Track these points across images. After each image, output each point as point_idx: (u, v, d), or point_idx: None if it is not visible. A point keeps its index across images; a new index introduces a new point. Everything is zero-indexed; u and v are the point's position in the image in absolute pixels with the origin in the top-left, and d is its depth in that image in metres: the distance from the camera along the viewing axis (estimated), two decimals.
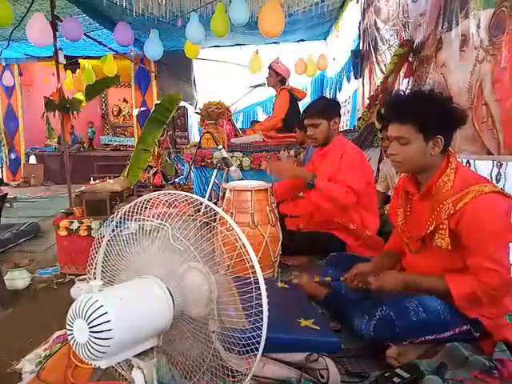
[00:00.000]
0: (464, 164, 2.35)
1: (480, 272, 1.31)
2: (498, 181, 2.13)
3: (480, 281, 1.31)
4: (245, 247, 1.00)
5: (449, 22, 2.43)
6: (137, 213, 1.18)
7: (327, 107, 2.43)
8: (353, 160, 2.32)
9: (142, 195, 1.22)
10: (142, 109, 8.19)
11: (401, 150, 1.42)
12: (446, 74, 2.47)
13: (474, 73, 2.08)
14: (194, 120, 7.25)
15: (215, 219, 1.21)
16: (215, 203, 2.77)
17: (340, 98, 6.53)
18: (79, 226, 2.82)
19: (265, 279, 1.00)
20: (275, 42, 7.00)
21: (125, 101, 10.54)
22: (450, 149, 1.45)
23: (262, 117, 8.32)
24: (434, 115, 1.36)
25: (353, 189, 2.21)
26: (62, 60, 3.97)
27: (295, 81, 6.65)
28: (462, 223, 1.33)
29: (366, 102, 4.09)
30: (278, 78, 4.07)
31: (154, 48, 4.97)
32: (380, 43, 4.14)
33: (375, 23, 4.31)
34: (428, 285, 1.43)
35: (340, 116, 2.53)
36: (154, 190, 3.64)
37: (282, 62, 4.17)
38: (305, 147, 3.50)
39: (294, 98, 4.03)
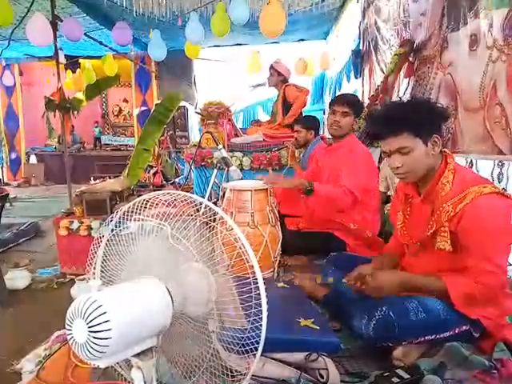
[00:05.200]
0: (467, 164, 2.35)
1: (477, 273, 1.31)
2: (500, 181, 2.13)
3: (477, 282, 1.31)
4: (244, 247, 1.00)
5: (455, 21, 2.43)
6: (136, 213, 1.18)
7: (359, 104, 2.49)
8: (359, 161, 2.31)
9: (142, 195, 1.22)
10: (143, 109, 8.18)
11: (405, 160, 1.40)
12: (454, 73, 2.47)
13: (486, 72, 2.07)
14: (194, 120, 7.24)
15: (215, 219, 1.21)
16: (215, 203, 2.77)
17: None
18: (79, 226, 2.82)
19: (264, 279, 1.00)
20: (275, 42, 7.00)
21: (125, 101, 10.52)
22: (446, 150, 1.46)
23: (262, 116, 8.31)
24: (424, 117, 1.37)
25: (351, 191, 2.20)
26: (62, 60, 3.98)
27: (296, 81, 6.64)
28: (461, 225, 1.33)
29: (366, 101, 4.08)
30: (280, 77, 4.09)
31: (157, 49, 4.97)
32: (380, 43, 4.13)
33: (375, 23, 4.30)
34: (425, 285, 1.43)
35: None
36: (154, 190, 3.64)
37: (282, 62, 4.19)
38: (305, 147, 3.49)
39: None
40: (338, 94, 6.55)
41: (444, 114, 1.43)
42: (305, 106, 4.02)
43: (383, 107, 1.51)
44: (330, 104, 2.48)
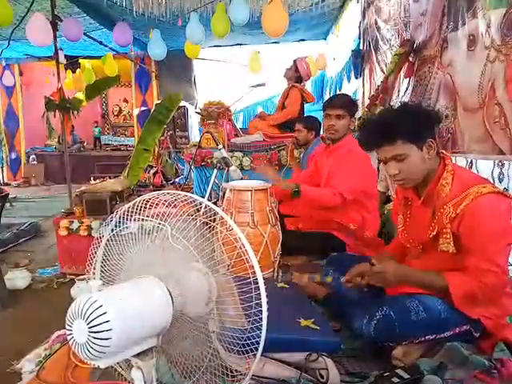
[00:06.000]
0: (467, 164, 2.35)
1: (479, 273, 1.31)
2: (500, 181, 2.13)
3: (478, 281, 1.31)
4: (244, 247, 1.00)
5: (454, 21, 2.43)
6: (136, 212, 1.18)
7: (352, 104, 2.46)
8: (354, 163, 2.31)
9: (142, 195, 1.22)
10: (143, 108, 8.18)
11: (402, 167, 1.41)
12: (453, 73, 2.47)
13: (485, 72, 2.08)
14: (194, 120, 7.24)
15: (215, 219, 1.21)
16: (215, 203, 2.77)
17: None
18: (79, 226, 2.81)
19: (265, 279, 1.00)
20: (275, 42, 7.00)
21: (125, 100, 10.53)
22: (443, 151, 1.47)
23: None
24: (416, 123, 1.37)
25: (340, 193, 2.21)
26: (62, 60, 3.97)
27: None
28: (462, 225, 1.33)
29: (367, 101, 4.08)
30: (296, 74, 4.14)
31: (157, 48, 4.97)
32: (381, 43, 4.13)
33: (376, 23, 4.30)
34: (428, 280, 1.43)
35: (355, 119, 2.55)
36: (154, 190, 3.64)
37: (307, 62, 4.24)
38: (306, 147, 3.49)
39: (302, 98, 4.06)
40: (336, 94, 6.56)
41: (436, 118, 1.44)
42: (294, 115, 3.95)
43: (375, 117, 1.52)
44: (323, 107, 2.47)
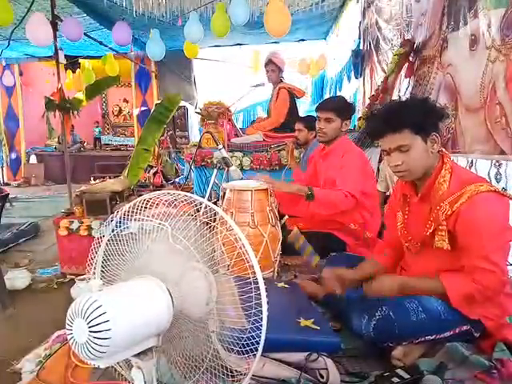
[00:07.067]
0: (468, 164, 2.35)
1: (476, 272, 1.31)
2: (498, 181, 2.14)
3: (475, 281, 1.31)
4: (244, 247, 1.00)
5: (455, 21, 2.43)
6: (137, 212, 1.18)
7: (345, 107, 2.44)
8: (352, 164, 2.31)
9: (142, 195, 1.22)
10: (143, 108, 8.18)
11: (405, 158, 1.41)
12: (454, 73, 2.47)
13: (486, 72, 2.08)
14: (194, 120, 7.24)
15: (215, 219, 1.21)
16: (215, 203, 2.77)
17: None
18: (79, 226, 2.81)
19: (265, 279, 1.00)
20: (275, 42, 7.00)
21: (125, 100, 10.53)
22: (443, 149, 1.47)
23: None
24: (424, 115, 1.39)
25: (352, 194, 2.20)
26: (62, 60, 3.97)
27: (296, 81, 6.65)
28: (458, 224, 1.34)
29: (367, 101, 4.08)
30: (280, 74, 3.99)
31: (155, 48, 4.97)
32: (382, 42, 4.13)
33: (377, 23, 4.30)
34: (424, 287, 1.43)
35: (351, 121, 2.52)
36: (154, 190, 3.64)
37: (277, 52, 4.05)
38: (306, 147, 3.49)
39: (292, 96, 4.03)
40: (338, 94, 6.57)
41: (442, 113, 1.45)
42: (280, 119, 3.91)
43: (384, 106, 1.53)
44: (315, 110, 2.47)
